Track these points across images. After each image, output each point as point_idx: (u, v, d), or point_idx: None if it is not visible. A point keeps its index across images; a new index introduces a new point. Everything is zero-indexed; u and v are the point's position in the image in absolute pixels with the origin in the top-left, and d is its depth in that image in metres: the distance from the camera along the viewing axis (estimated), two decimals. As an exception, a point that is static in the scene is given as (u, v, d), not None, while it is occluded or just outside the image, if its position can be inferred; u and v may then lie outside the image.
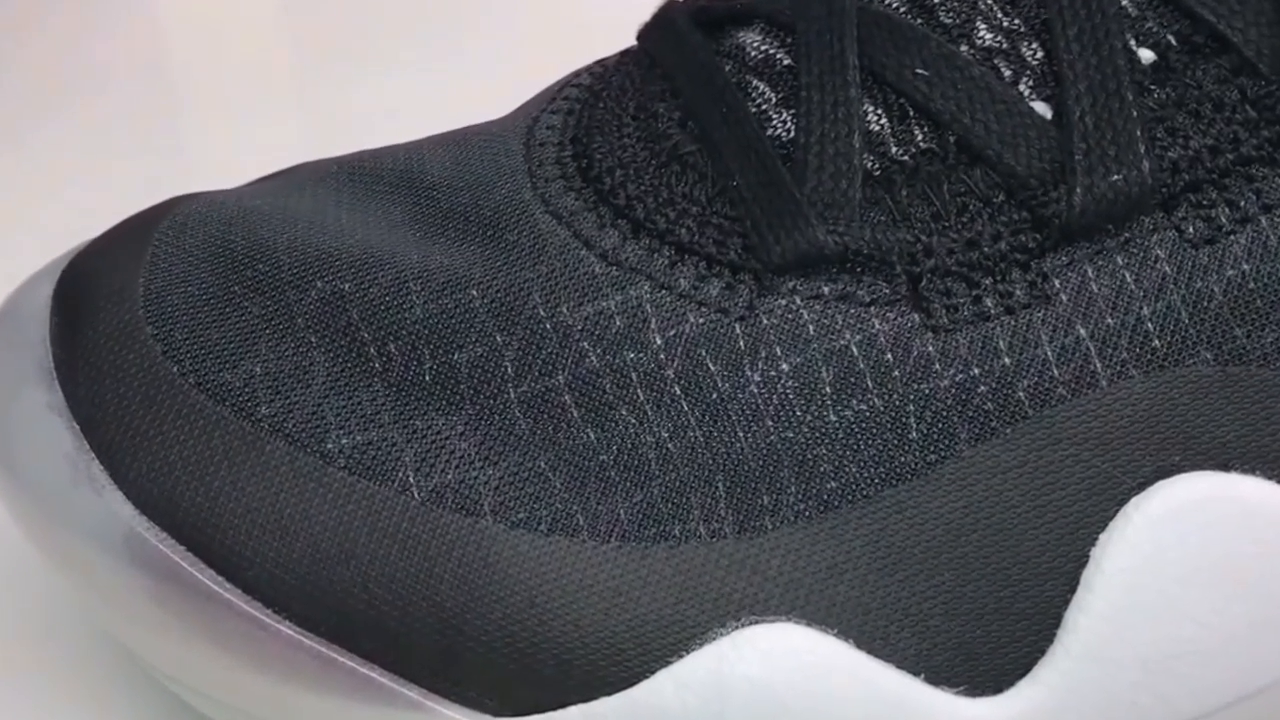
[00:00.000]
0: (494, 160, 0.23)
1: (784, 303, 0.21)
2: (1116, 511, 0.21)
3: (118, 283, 0.22)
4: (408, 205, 0.23)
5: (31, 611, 0.27)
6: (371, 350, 0.21)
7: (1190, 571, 0.21)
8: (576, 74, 0.25)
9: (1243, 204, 0.21)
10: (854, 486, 0.21)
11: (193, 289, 0.22)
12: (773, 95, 0.22)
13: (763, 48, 0.23)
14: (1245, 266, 0.21)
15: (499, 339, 0.21)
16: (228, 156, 0.34)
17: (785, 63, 0.23)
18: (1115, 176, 0.21)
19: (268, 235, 0.22)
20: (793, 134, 0.22)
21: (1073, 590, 0.21)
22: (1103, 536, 0.21)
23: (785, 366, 0.21)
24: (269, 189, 0.24)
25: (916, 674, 0.21)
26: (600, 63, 0.25)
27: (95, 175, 0.36)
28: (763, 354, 0.21)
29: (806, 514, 0.21)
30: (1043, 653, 0.21)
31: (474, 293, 0.22)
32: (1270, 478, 0.21)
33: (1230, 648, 0.21)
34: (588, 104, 0.24)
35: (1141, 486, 0.21)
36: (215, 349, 0.21)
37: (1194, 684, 0.21)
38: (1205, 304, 0.21)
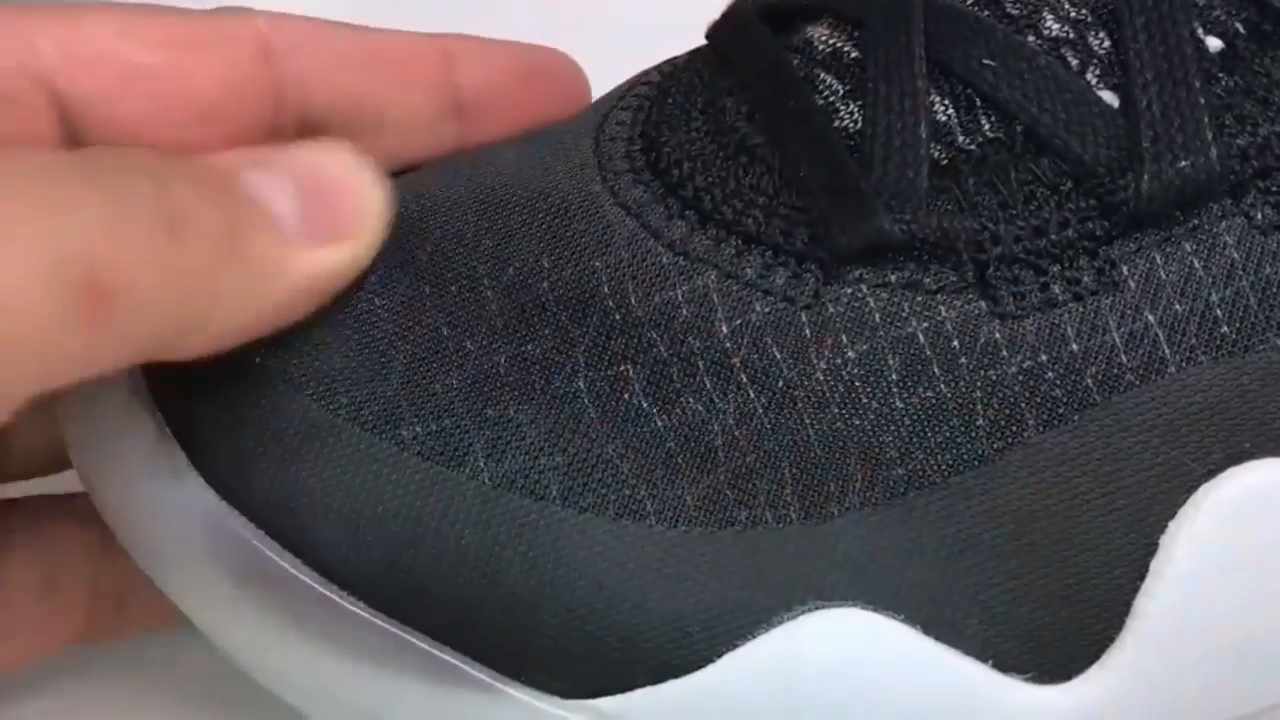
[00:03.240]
0: (564, 155, 0.23)
1: (850, 291, 0.21)
2: (1186, 499, 0.21)
3: None
4: (479, 200, 0.23)
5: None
6: (449, 346, 0.22)
7: (1262, 560, 0.21)
8: (646, 72, 0.25)
9: None
10: (921, 473, 0.21)
11: None
12: (840, 87, 0.22)
13: (830, 41, 0.23)
14: None
15: (570, 330, 0.21)
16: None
17: (853, 55, 0.23)
18: (1183, 163, 0.21)
19: None
20: (860, 125, 0.22)
21: (1142, 578, 0.21)
22: (1172, 524, 0.21)
23: (851, 354, 0.21)
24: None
25: (984, 660, 0.21)
26: (670, 61, 0.25)
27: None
28: (829, 342, 0.21)
29: (873, 500, 0.21)
30: (1112, 640, 0.21)
31: (544, 285, 0.22)
32: (1342, 465, 0.21)
33: (1302, 637, 0.21)
34: (657, 100, 0.24)
35: (1211, 474, 0.21)
36: (297, 342, 0.22)
37: (1264, 673, 0.21)
38: (1274, 290, 0.21)
